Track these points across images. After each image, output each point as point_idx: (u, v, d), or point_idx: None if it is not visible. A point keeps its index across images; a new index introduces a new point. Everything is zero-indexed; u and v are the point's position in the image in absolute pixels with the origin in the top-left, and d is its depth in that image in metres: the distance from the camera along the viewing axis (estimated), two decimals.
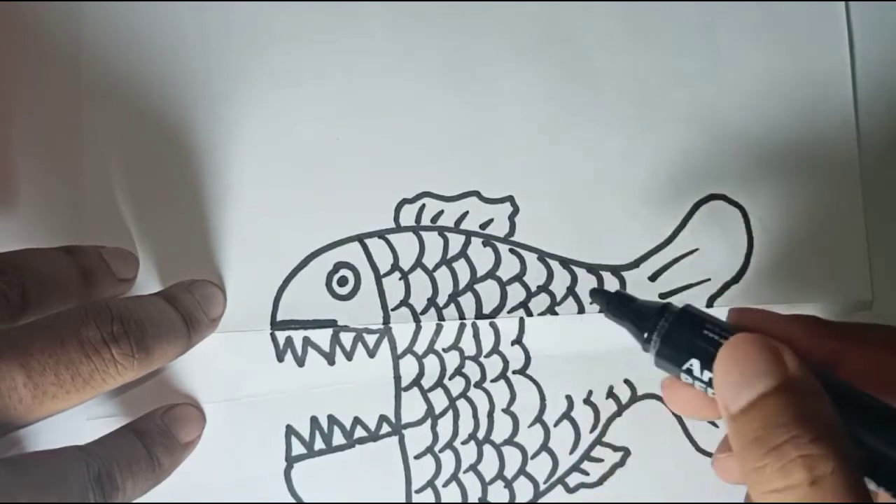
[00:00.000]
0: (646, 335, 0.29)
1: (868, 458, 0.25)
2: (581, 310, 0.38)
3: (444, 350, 0.38)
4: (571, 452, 0.38)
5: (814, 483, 0.23)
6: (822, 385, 0.26)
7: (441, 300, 0.38)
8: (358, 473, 0.37)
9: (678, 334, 0.28)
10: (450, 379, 0.38)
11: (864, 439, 0.25)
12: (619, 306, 0.30)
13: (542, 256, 0.38)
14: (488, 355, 0.38)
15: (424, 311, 0.38)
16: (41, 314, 0.31)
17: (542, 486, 0.37)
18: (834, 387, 0.26)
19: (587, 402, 0.38)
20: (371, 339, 0.38)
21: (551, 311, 0.38)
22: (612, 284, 0.38)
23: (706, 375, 0.27)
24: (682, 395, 0.31)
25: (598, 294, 0.31)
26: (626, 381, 0.38)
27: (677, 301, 0.30)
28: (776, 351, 0.26)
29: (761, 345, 0.26)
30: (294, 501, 0.37)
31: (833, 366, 0.28)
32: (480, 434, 0.38)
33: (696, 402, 0.30)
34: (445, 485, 0.37)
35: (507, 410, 0.38)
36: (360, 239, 0.38)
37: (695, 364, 0.28)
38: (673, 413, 0.37)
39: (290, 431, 0.37)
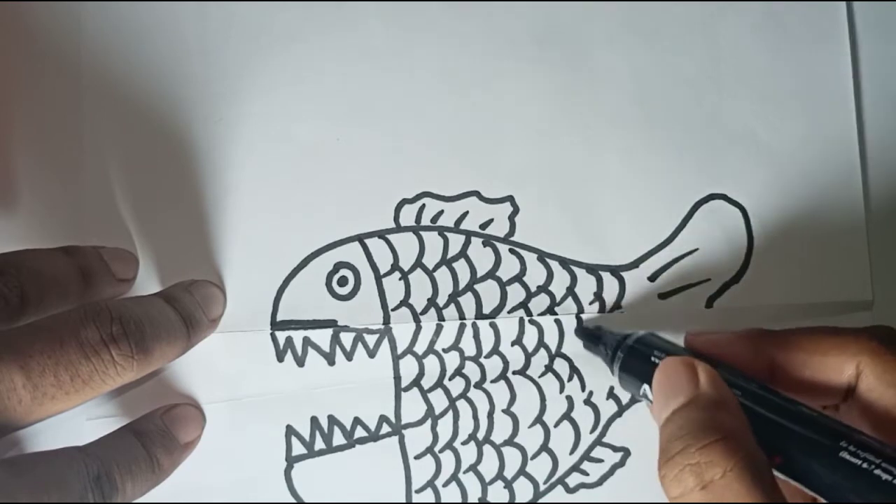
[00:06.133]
0: (610, 366, 0.33)
1: (781, 457, 0.28)
2: (581, 310, 0.38)
3: (444, 350, 0.38)
4: (571, 453, 0.38)
5: (704, 488, 0.25)
6: (745, 392, 0.29)
7: (441, 300, 0.38)
8: (358, 473, 0.37)
9: (632, 363, 0.32)
10: (450, 379, 0.38)
11: (775, 440, 0.28)
12: (591, 341, 0.35)
13: (542, 257, 0.38)
14: (488, 356, 0.38)
15: (424, 312, 0.38)
16: (40, 315, 0.31)
17: (542, 487, 0.37)
18: (752, 394, 0.29)
19: (587, 402, 0.38)
20: (371, 340, 0.38)
21: (551, 311, 0.38)
22: (611, 285, 0.38)
23: None
24: None
25: (579, 330, 0.37)
26: None
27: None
28: (692, 369, 0.29)
29: (679, 365, 0.29)
30: (294, 501, 0.37)
31: (772, 373, 0.31)
32: (480, 434, 0.38)
33: None
34: (445, 485, 0.37)
35: (507, 411, 0.38)
36: (360, 239, 0.38)
37: (646, 388, 0.31)
38: None
39: (290, 431, 0.37)
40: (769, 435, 0.28)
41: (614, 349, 0.33)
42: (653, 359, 0.31)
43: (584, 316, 0.38)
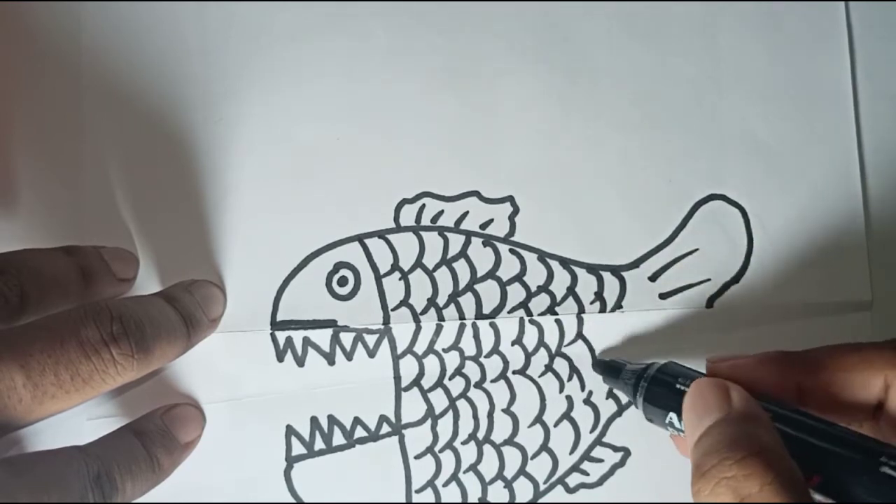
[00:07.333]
0: (633, 398, 0.33)
1: (820, 476, 0.27)
2: (581, 310, 0.38)
3: (444, 350, 0.38)
4: (571, 452, 0.38)
5: (741, 502, 0.24)
6: (777, 415, 0.28)
7: (441, 300, 0.38)
8: (358, 473, 0.37)
9: (655, 394, 0.32)
10: (450, 379, 0.38)
11: (812, 460, 0.27)
12: (611, 374, 0.35)
13: (542, 256, 0.38)
14: (488, 355, 0.38)
15: (424, 312, 0.38)
16: (40, 315, 0.31)
17: (542, 486, 0.37)
18: (784, 416, 0.29)
19: (587, 402, 0.38)
20: (371, 340, 0.38)
21: (551, 311, 0.38)
22: (612, 284, 0.38)
23: (682, 425, 0.30)
24: (684, 445, 0.33)
25: (597, 364, 0.37)
26: None
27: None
28: (724, 389, 0.29)
29: (711, 385, 0.29)
30: (294, 501, 0.37)
31: (800, 395, 0.30)
32: (480, 434, 0.38)
33: None
34: (445, 485, 0.37)
35: (507, 410, 0.38)
36: (360, 239, 0.38)
37: (673, 417, 0.31)
38: None
39: (290, 431, 0.37)
40: (806, 456, 0.27)
41: (636, 381, 0.33)
42: (678, 386, 0.31)
43: (596, 349, 0.38)
